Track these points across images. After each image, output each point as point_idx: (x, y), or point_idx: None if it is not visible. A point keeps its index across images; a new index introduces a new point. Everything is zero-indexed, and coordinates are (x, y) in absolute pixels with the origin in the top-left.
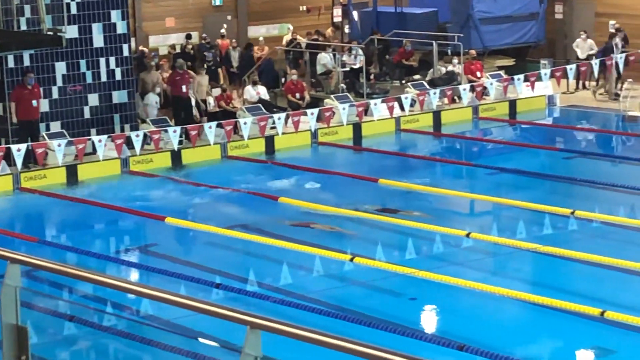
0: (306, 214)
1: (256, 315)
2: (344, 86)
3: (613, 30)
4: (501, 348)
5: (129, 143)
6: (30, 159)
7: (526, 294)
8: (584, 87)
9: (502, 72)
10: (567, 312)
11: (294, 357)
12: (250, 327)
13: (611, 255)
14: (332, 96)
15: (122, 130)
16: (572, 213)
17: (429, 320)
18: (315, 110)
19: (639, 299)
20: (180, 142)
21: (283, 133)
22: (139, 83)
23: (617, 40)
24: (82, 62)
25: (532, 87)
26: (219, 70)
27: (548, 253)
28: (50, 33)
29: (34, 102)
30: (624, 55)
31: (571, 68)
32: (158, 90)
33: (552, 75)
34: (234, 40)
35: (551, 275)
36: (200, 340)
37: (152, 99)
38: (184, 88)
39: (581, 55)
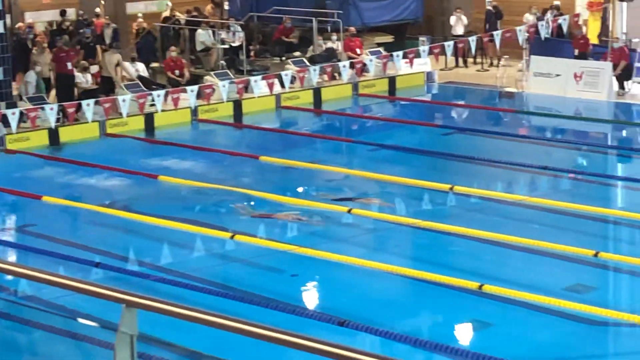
0: (194, 192)
1: (131, 293)
2: (224, 63)
3: (490, 8)
4: (382, 323)
5: (5, 121)
6: None
7: (406, 269)
8: (465, 63)
9: (381, 49)
10: (446, 287)
11: (177, 336)
12: (125, 306)
13: (489, 229)
14: (212, 73)
15: None
16: (451, 189)
17: (310, 296)
18: (195, 87)
19: (517, 273)
20: (58, 120)
21: (162, 110)
22: (30, 61)
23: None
24: None
25: (411, 64)
26: (97, 47)
27: (428, 228)
28: None
29: None
30: (500, 32)
31: (449, 45)
32: (38, 68)
33: (430, 52)
34: (107, 17)
35: (431, 250)
36: (80, 320)
37: (32, 77)
38: (68, 65)
39: (458, 31)
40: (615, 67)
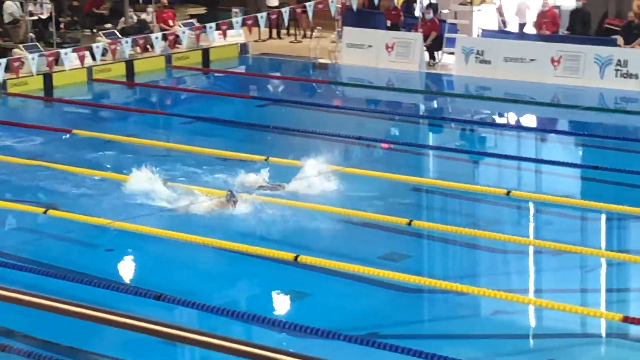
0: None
1: None
2: (33, 36)
3: None
4: (198, 296)
5: None
6: None
7: (221, 241)
8: (278, 35)
9: (194, 21)
10: (262, 258)
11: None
12: None
13: (304, 200)
14: (20, 46)
15: None
16: (267, 159)
17: (125, 271)
18: (4, 60)
19: (332, 243)
20: None
21: None
22: None
23: None
24: None
25: (224, 36)
26: None
27: (244, 200)
28: None
29: None
30: (312, 3)
31: (262, 16)
32: None
33: (243, 24)
34: None
35: (246, 222)
36: None
37: None
38: None
39: (272, 3)
40: (426, 38)
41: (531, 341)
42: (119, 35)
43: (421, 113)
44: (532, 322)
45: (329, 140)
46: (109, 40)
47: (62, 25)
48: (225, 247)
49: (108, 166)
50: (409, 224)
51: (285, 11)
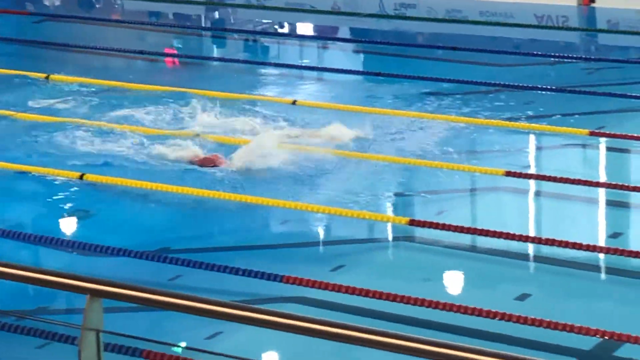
0: None
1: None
2: None
3: None
4: None
5: None
6: None
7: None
8: None
9: None
10: (47, 176)
11: None
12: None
13: (87, 118)
14: None
15: None
16: (47, 77)
17: None
18: None
19: (120, 160)
20: None
21: None
22: None
23: None
24: None
25: None
26: None
27: (22, 119)
28: None
29: None
30: None
31: None
32: None
33: None
34: None
35: (34, 141)
36: None
37: None
38: None
39: None
40: None
41: (321, 248)
42: None
43: (203, 25)
44: (321, 230)
45: (110, 55)
46: None
47: None
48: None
49: None
50: (196, 136)
51: None
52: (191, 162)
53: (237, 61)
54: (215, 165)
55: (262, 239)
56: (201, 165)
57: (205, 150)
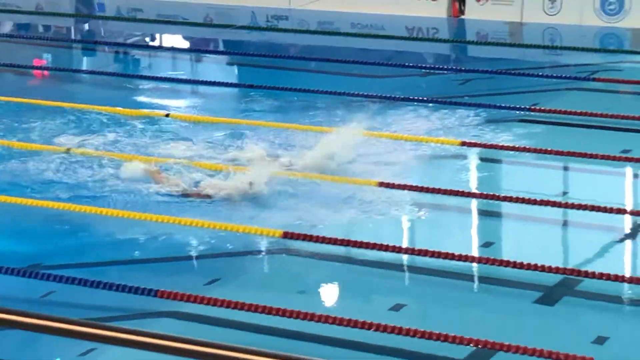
0: None
1: None
2: None
3: None
4: None
5: None
6: None
7: None
8: None
9: None
10: None
11: None
12: None
13: None
14: None
15: None
16: None
17: None
18: None
19: None
20: None
21: None
22: None
23: None
24: None
25: None
26: None
27: None
28: None
29: None
30: None
31: None
32: None
33: None
34: None
35: None
36: None
37: None
38: None
39: None
40: None
41: (195, 262)
42: None
43: (73, 37)
44: (195, 244)
45: None
46: None
47: None
48: None
49: None
50: (67, 151)
51: None
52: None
53: (108, 74)
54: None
55: (135, 254)
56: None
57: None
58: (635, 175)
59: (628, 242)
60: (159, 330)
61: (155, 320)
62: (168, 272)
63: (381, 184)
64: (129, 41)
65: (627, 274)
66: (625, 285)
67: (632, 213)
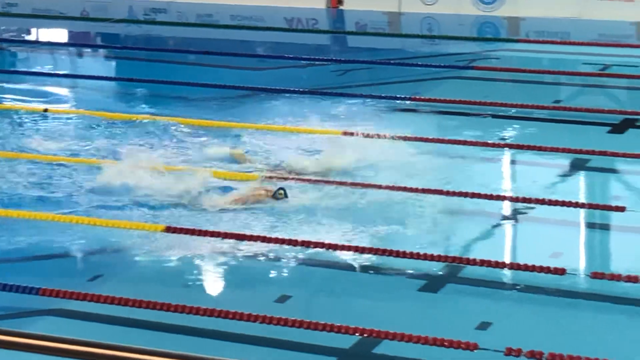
0: None
1: None
2: None
3: None
4: None
5: None
6: None
7: None
8: None
9: None
10: None
11: None
12: None
13: None
14: None
15: None
16: None
17: None
18: None
19: None
20: None
21: None
22: None
23: None
24: None
25: None
26: None
27: None
28: None
29: None
30: None
31: None
32: None
33: None
34: None
35: None
36: None
37: None
38: None
39: None
40: None
41: (77, 259)
42: None
43: None
44: (77, 241)
45: None
46: None
47: None
48: None
49: None
50: None
51: None
52: None
53: None
54: None
55: (15, 253)
56: None
57: None
58: (513, 162)
59: (508, 228)
60: (42, 329)
61: (38, 318)
62: (49, 270)
63: (267, 178)
64: (4, 36)
65: (508, 260)
66: (507, 271)
67: (512, 199)
